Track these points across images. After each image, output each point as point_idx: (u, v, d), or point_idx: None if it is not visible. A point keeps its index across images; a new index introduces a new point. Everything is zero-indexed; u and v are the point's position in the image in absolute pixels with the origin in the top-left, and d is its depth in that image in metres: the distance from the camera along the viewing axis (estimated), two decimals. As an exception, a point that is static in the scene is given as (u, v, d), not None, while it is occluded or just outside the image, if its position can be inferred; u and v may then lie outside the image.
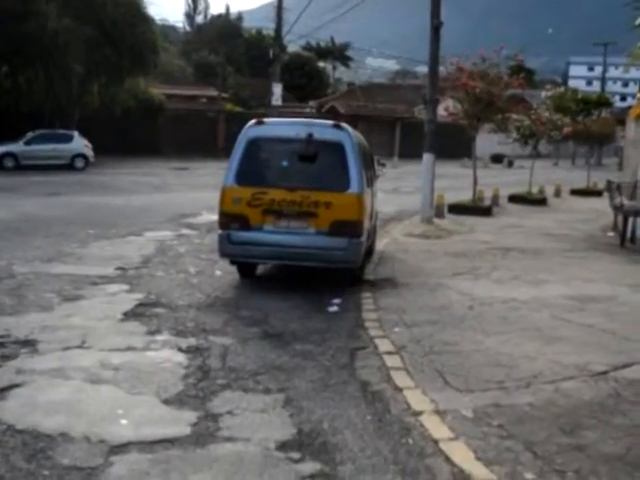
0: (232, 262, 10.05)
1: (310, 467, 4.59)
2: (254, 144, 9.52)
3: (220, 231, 9.56)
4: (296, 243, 9.26)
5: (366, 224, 9.80)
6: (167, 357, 6.65)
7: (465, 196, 20.45)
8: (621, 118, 32.78)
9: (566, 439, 5.02)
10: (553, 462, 4.67)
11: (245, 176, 9.38)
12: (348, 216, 9.19)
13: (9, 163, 29.01)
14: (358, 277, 10.12)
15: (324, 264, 9.54)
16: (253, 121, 9.82)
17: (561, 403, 5.68)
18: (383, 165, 14.71)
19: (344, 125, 9.73)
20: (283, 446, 4.85)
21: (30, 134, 29.86)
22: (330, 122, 9.88)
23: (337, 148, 9.37)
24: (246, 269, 10.27)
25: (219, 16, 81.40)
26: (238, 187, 9.35)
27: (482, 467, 4.60)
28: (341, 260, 9.35)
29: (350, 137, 9.56)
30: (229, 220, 9.39)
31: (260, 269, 10.84)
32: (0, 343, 6.80)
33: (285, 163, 9.58)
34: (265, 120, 9.99)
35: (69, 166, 30.00)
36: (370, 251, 11.78)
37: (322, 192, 9.20)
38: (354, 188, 9.25)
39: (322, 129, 9.60)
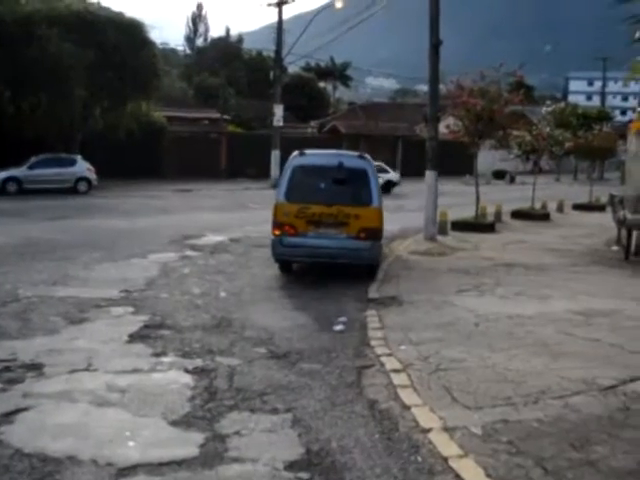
0: (276, 261, 12.26)
1: (319, 487, 4.57)
2: (298, 170, 12.03)
3: (273, 237, 11.93)
4: (332, 245, 11.68)
5: (383, 230, 12.26)
6: (173, 379, 6.65)
7: (468, 213, 20.47)
8: (622, 132, 32.80)
9: (576, 454, 5.00)
10: (564, 478, 4.65)
11: (292, 194, 11.85)
12: (371, 224, 11.76)
13: (12, 188, 29.02)
14: (375, 272, 12.27)
15: (352, 261, 12.00)
16: (296, 152, 12.37)
17: (570, 418, 5.66)
18: None
19: (366, 155, 12.54)
20: (291, 466, 4.84)
21: (33, 158, 29.91)
22: (355, 153, 13.08)
23: (361, 173, 11.96)
24: (286, 266, 12.50)
25: (219, 39, 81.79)
26: (287, 203, 11.85)
27: (492, 484, 4.57)
28: (366, 258, 11.93)
29: (371, 165, 12.24)
30: (280, 228, 11.81)
31: (264, 289, 11.11)
32: (6, 367, 6.80)
33: (322, 185, 11.98)
34: (305, 152, 12.46)
35: (72, 190, 30.03)
36: None
37: (352, 206, 11.73)
38: (375, 203, 11.86)
39: (349, 159, 12.37)
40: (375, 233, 11.79)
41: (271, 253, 12.16)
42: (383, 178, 33.14)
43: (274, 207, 11.95)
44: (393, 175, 36.97)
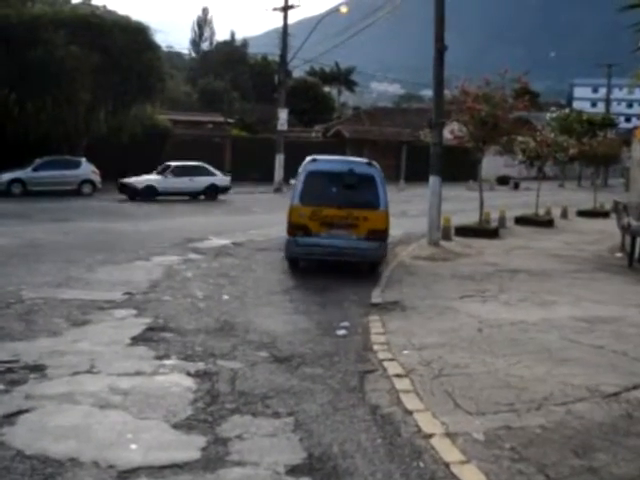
0: (288, 259, 13.27)
1: (321, 491, 4.56)
2: (311, 175, 12.89)
3: (288, 237, 12.87)
4: (343, 245, 12.61)
5: (389, 232, 13.28)
6: (176, 381, 6.64)
7: (472, 218, 20.45)
8: (626, 139, 32.77)
9: (578, 461, 4.98)
10: (566, 485, 4.62)
11: (307, 198, 12.74)
12: (379, 226, 12.74)
13: (17, 189, 29.09)
14: (377, 268, 13.28)
15: (360, 259, 12.97)
16: (309, 158, 13.27)
17: (573, 425, 5.64)
18: None
19: (374, 163, 13.45)
20: (293, 470, 4.82)
21: (38, 161, 29.96)
22: (364, 160, 14.07)
23: (370, 179, 12.89)
24: (294, 263, 13.36)
25: (224, 43, 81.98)
26: (302, 206, 12.74)
27: (494, 490, 4.56)
28: (373, 256, 12.96)
29: (378, 171, 13.13)
30: (296, 229, 12.72)
31: (266, 293, 11.05)
32: (9, 368, 6.80)
33: (334, 189, 12.83)
34: (318, 158, 13.34)
35: (77, 192, 30.09)
36: None
37: (361, 210, 12.68)
38: (382, 207, 12.82)
39: (359, 165, 13.34)
40: (382, 234, 12.80)
41: (285, 252, 13.17)
42: (204, 182, 29.94)
43: (289, 209, 12.85)
44: (219, 178, 31.18)
